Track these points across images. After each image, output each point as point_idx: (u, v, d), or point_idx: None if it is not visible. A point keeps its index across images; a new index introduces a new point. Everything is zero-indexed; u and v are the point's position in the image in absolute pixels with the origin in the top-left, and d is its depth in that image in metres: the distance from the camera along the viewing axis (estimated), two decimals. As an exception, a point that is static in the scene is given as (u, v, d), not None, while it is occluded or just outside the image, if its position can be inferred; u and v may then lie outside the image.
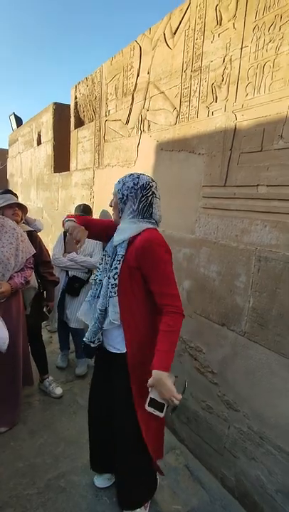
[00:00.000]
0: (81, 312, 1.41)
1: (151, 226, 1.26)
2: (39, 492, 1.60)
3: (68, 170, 3.75)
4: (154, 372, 1.12)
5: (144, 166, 2.22)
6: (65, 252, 2.55)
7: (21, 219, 2.22)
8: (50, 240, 4.29)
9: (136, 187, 1.24)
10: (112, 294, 1.23)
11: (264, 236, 1.40)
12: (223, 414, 1.65)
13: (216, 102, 1.61)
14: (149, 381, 1.13)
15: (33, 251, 2.01)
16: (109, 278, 1.25)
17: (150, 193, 1.25)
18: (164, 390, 1.11)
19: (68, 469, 1.73)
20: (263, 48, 1.36)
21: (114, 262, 1.24)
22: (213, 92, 1.62)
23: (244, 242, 1.50)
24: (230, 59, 1.51)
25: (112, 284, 1.23)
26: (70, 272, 2.51)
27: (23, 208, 2.21)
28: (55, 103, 4.16)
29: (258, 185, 1.42)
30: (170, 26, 1.89)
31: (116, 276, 1.23)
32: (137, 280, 1.21)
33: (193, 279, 1.83)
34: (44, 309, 2.29)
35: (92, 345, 1.35)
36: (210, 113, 1.65)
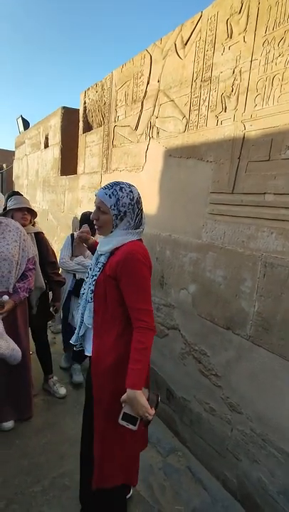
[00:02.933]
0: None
1: (136, 238, 1.25)
2: (44, 489, 1.63)
3: (75, 173, 3.81)
4: (128, 390, 1.11)
5: (152, 171, 2.27)
6: (72, 255, 2.59)
7: (30, 222, 2.27)
8: (56, 241, 4.34)
9: (132, 202, 1.22)
10: (89, 299, 1.28)
11: (270, 243, 1.44)
12: (226, 416, 1.68)
13: (225, 111, 1.66)
14: (123, 397, 1.12)
15: (34, 252, 2.05)
16: (90, 284, 1.28)
17: (141, 206, 1.27)
18: (138, 407, 1.10)
19: (73, 468, 1.75)
20: (272, 61, 1.41)
21: (96, 268, 1.27)
22: (223, 101, 1.67)
23: (250, 248, 1.54)
24: (240, 71, 1.56)
25: (90, 290, 1.27)
26: (77, 275, 2.56)
27: (32, 213, 2.26)
28: (64, 107, 4.24)
29: (265, 193, 1.46)
30: (181, 37, 1.95)
31: (94, 283, 1.25)
32: (110, 289, 1.21)
33: (199, 283, 1.86)
34: (51, 309, 2.33)
35: (75, 348, 1.38)
36: (219, 122, 1.70)
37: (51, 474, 1.72)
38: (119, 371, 1.18)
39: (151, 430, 2.06)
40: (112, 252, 1.24)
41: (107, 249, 1.24)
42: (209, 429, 1.80)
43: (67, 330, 2.71)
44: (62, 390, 2.36)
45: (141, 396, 1.11)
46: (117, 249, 1.22)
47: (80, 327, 1.35)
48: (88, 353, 1.33)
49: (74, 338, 1.38)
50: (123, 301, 1.20)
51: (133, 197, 1.23)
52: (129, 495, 1.61)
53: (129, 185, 1.25)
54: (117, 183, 1.24)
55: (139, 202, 1.25)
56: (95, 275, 1.26)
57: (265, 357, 1.47)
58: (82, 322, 1.34)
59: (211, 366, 1.78)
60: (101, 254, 1.28)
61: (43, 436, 1.98)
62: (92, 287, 1.26)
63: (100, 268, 1.24)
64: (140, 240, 1.29)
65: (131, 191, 1.23)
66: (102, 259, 1.26)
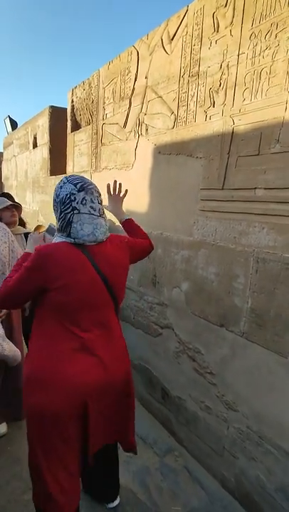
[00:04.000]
0: None
1: (63, 240, 1.11)
2: (38, 496, 1.59)
3: (65, 173, 3.76)
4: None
5: (142, 169, 2.24)
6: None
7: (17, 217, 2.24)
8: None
9: (57, 199, 1.10)
10: None
11: (262, 238, 1.43)
12: (222, 414, 1.66)
13: (214, 106, 1.64)
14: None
15: (21, 253, 2.03)
16: None
17: (69, 210, 1.07)
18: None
19: (67, 473, 1.72)
20: (259, 54, 1.40)
21: None
22: (211, 96, 1.65)
23: (242, 244, 1.52)
24: (228, 65, 1.54)
25: None
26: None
27: (18, 208, 2.23)
28: (52, 106, 4.18)
29: (255, 188, 1.44)
30: (168, 32, 1.92)
31: None
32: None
33: (191, 280, 1.84)
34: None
35: None
36: (208, 117, 1.68)
37: (46, 480, 1.68)
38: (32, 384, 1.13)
39: (147, 430, 2.05)
40: None
41: None
42: (205, 427, 1.78)
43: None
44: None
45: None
46: None
47: None
48: None
49: None
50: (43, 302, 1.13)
51: (58, 194, 1.10)
52: (115, 503, 1.55)
53: (67, 183, 1.10)
54: (64, 178, 1.15)
55: (64, 203, 1.08)
56: None
57: (260, 353, 1.45)
58: None
59: (205, 364, 1.76)
60: None
61: (37, 442, 1.93)
62: None
63: None
64: (62, 243, 1.11)
65: (61, 187, 1.11)
66: None
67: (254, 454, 1.50)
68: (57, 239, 1.14)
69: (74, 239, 1.10)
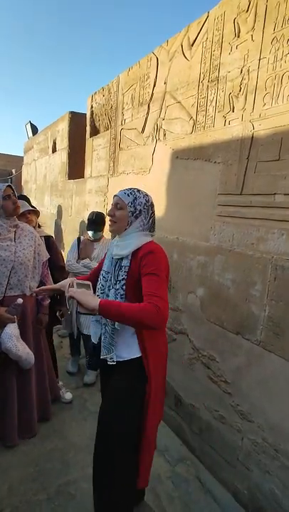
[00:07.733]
0: (92, 334, 1.40)
1: (151, 239, 1.32)
2: (49, 498, 1.60)
3: (82, 177, 3.82)
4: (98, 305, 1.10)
5: (159, 173, 2.24)
6: (78, 258, 2.58)
7: (35, 223, 2.26)
8: (63, 244, 4.34)
9: (148, 204, 1.32)
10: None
11: (281, 244, 1.40)
12: (236, 424, 1.62)
13: (233, 111, 1.62)
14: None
15: (47, 255, 2.06)
16: (116, 289, 1.26)
17: (153, 211, 1.35)
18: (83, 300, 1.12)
19: (78, 476, 1.72)
20: (281, 59, 1.38)
21: (120, 273, 1.26)
22: (230, 101, 1.64)
23: (260, 251, 1.49)
24: (248, 70, 1.53)
25: (120, 295, 1.25)
26: (83, 278, 2.54)
27: (35, 212, 2.26)
28: (71, 112, 4.27)
29: (275, 193, 1.42)
30: (188, 38, 1.93)
31: (124, 287, 1.25)
32: (139, 289, 1.20)
33: (207, 286, 1.82)
34: (57, 314, 2.31)
35: (109, 362, 1.28)
36: (227, 122, 1.67)
37: (57, 482, 1.68)
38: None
39: (159, 437, 2.01)
40: (134, 254, 1.26)
41: (127, 252, 1.27)
42: (219, 437, 1.74)
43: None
44: (69, 395, 2.33)
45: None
46: (137, 250, 1.25)
47: (108, 337, 1.29)
48: (120, 358, 1.29)
49: (106, 351, 1.30)
50: None
51: (148, 199, 1.33)
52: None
53: (146, 192, 1.36)
54: (138, 189, 1.34)
55: (152, 206, 1.35)
56: (123, 278, 1.25)
57: (277, 363, 1.41)
58: (108, 331, 1.28)
59: (220, 372, 1.73)
60: (120, 259, 1.29)
61: (49, 443, 1.94)
62: (122, 291, 1.25)
63: (126, 271, 1.25)
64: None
65: (147, 195, 1.34)
66: (126, 262, 1.26)
67: (269, 468, 1.45)
68: (144, 238, 1.29)
69: (153, 232, 1.35)
